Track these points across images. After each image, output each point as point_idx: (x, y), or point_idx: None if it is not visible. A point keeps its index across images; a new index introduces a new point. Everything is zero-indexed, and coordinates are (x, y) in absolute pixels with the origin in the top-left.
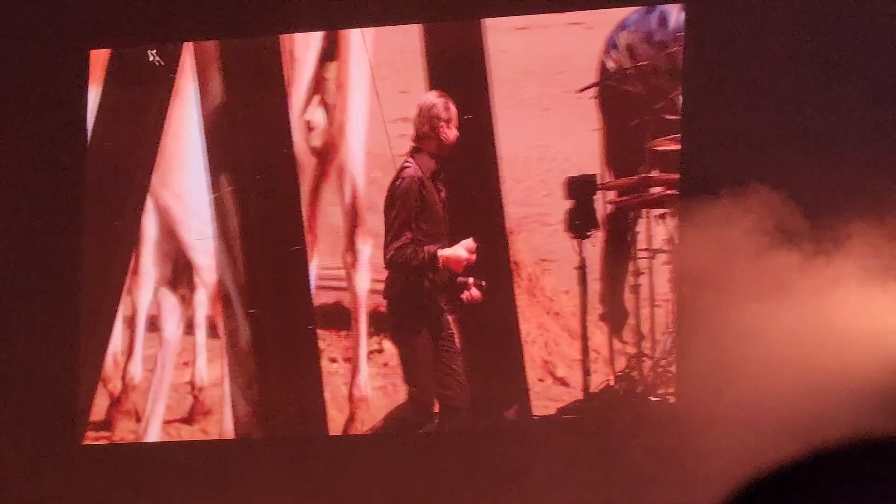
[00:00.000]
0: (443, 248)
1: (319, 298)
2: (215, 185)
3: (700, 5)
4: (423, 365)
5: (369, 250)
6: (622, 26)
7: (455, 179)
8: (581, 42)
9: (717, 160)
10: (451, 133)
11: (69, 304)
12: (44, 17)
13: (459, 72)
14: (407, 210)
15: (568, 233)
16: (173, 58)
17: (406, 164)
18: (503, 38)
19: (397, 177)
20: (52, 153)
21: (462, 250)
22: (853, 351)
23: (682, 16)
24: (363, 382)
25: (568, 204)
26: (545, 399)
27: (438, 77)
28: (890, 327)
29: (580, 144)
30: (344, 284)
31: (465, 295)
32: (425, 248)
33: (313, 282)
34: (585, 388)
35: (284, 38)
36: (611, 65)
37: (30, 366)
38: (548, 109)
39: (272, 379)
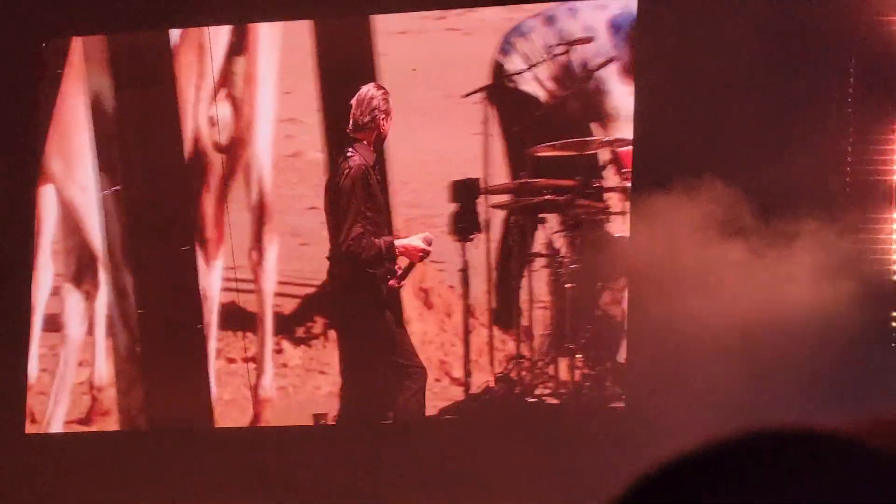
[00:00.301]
0: (395, 238)
1: (224, 298)
2: (104, 183)
3: None
4: (403, 337)
5: (276, 249)
6: (518, 32)
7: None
8: (464, 47)
9: (668, 155)
10: (388, 125)
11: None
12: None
13: (348, 73)
14: (357, 199)
15: (451, 235)
16: (62, 53)
17: (349, 153)
18: (386, 41)
19: (341, 167)
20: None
21: (419, 241)
22: (801, 345)
23: (573, 22)
24: (268, 383)
25: (452, 207)
26: (443, 399)
27: (327, 77)
28: (838, 322)
29: (464, 148)
30: (252, 287)
31: (392, 281)
32: (381, 238)
33: (217, 282)
34: (466, 388)
35: (192, 31)
36: (507, 67)
37: None
38: (430, 113)
39: (158, 379)
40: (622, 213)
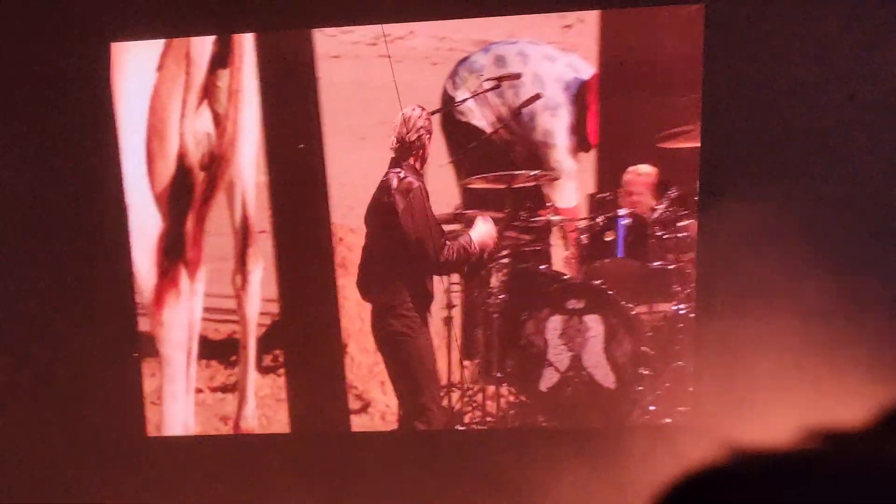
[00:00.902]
0: (461, 236)
1: (205, 328)
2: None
3: (720, 5)
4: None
5: (260, 273)
6: (467, 65)
7: (287, 204)
8: (398, 74)
9: (736, 164)
10: (430, 144)
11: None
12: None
13: (291, 103)
14: (431, 214)
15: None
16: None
17: (402, 174)
18: (321, 64)
19: (400, 187)
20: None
21: (485, 224)
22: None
23: (518, 58)
24: (249, 414)
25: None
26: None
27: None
28: None
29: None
30: (235, 316)
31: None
32: (458, 241)
33: (199, 311)
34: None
35: (178, 42)
36: (451, 96)
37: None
38: (364, 138)
39: (93, 409)
40: (547, 245)
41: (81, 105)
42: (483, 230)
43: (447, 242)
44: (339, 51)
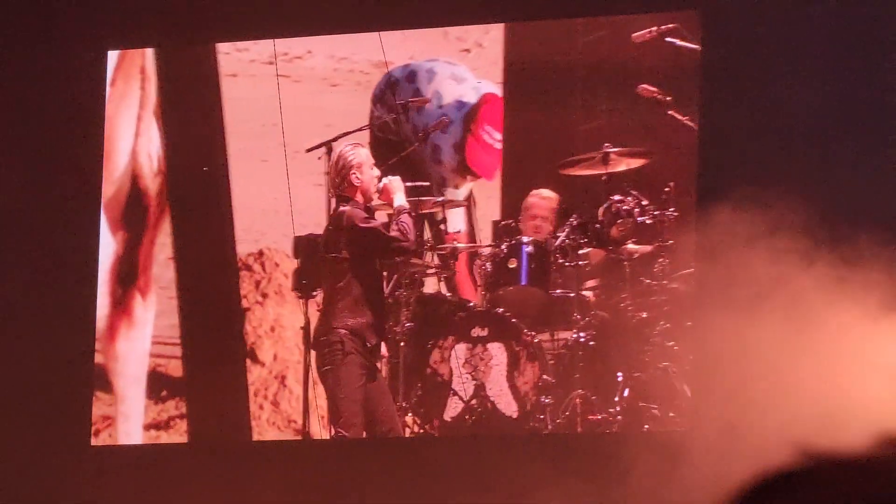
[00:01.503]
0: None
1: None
2: None
3: (716, 10)
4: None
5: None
6: (382, 86)
7: (190, 231)
8: (297, 96)
9: (734, 170)
10: (364, 176)
11: (84, 304)
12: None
13: (195, 125)
14: (374, 226)
15: (294, 292)
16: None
17: (341, 208)
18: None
19: (337, 219)
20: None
21: (397, 186)
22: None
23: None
24: None
25: (294, 263)
26: None
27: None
28: None
29: (308, 201)
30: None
31: None
32: (394, 223)
33: (146, 342)
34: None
35: (130, 54)
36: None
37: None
38: (267, 161)
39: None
40: (453, 273)
41: (74, 115)
42: (397, 188)
43: (394, 226)
44: (235, 69)
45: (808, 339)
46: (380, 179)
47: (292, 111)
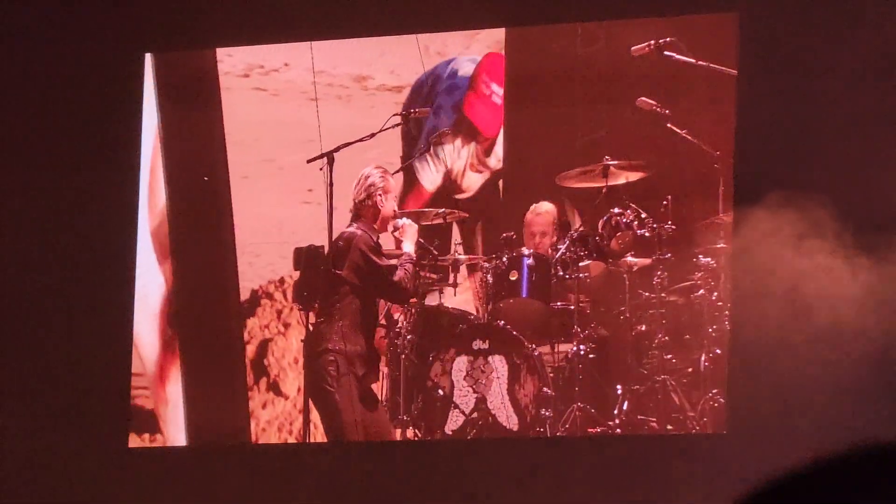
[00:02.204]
0: (401, 255)
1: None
2: None
3: (753, 12)
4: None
5: None
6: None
7: (190, 239)
8: (274, 109)
9: (771, 170)
10: (387, 202)
11: (123, 307)
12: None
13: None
14: (378, 260)
15: (295, 303)
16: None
17: (351, 228)
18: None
19: (345, 241)
20: (108, 157)
21: (410, 232)
22: None
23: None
24: None
25: (296, 275)
26: None
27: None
28: None
29: (307, 215)
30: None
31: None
32: (401, 267)
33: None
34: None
35: None
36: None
37: (83, 370)
38: (247, 177)
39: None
40: (454, 284)
41: (110, 120)
42: (410, 235)
43: (399, 272)
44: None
45: (844, 341)
46: (395, 214)
47: (270, 126)
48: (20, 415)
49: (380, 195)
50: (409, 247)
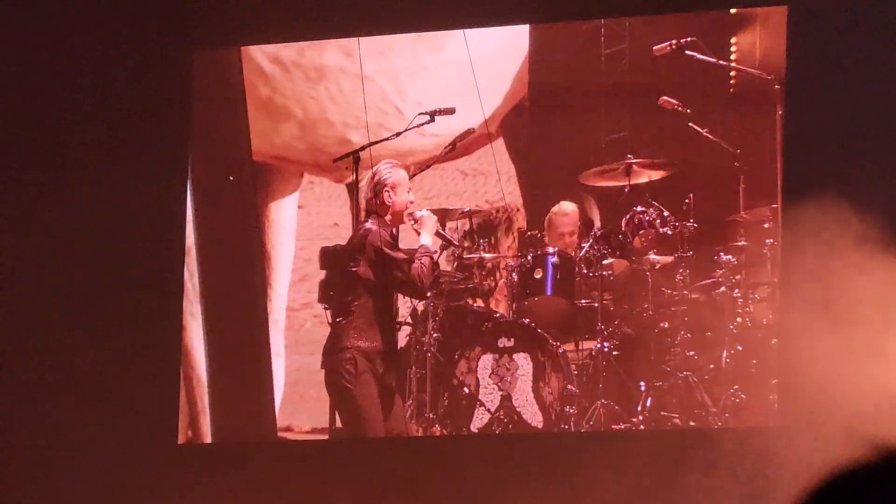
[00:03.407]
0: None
1: None
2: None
3: (803, 5)
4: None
5: None
6: None
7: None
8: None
9: (818, 204)
10: (397, 197)
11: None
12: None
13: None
14: (391, 253)
15: (321, 303)
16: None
17: (367, 224)
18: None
19: (359, 238)
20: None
21: (428, 225)
22: None
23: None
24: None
25: (322, 274)
26: None
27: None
28: None
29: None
30: None
31: None
32: (418, 259)
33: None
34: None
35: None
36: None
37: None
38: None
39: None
40: (480, 283)
41: (161, 116)
42: (429, 227)
43: (415, 265)
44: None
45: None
46: (412, 204)
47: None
48: (69, 410)
49: (387, 191)
50: (426, 239)
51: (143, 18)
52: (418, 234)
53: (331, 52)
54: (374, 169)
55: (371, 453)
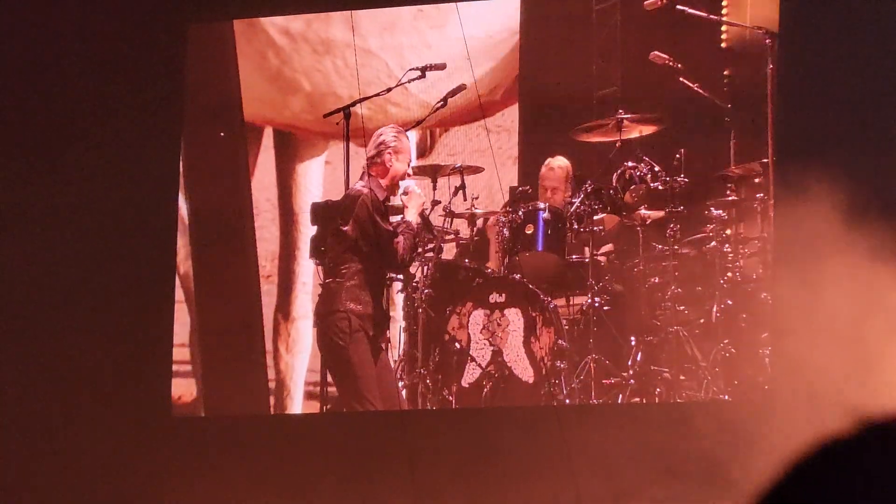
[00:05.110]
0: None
1: None
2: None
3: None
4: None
5: None
6: None
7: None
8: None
9: (810, 158)
10: (397, 162)
11: (165, 288)
12: None
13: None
14: (379, 221)
15: (312, 258)
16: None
17: (360, 185)
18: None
19: (352, 197)
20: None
21: (414, 201)
22: None
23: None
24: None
25: (313, 230)
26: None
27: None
28: None
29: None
30: None
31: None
32: (401, 234)
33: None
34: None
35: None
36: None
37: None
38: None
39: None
40: (471, 239)
41: (153, 91)
42: (415, 204)
43: (397, 240)
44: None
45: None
46: (408, 175)
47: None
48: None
49: (390, 153)
50: (411, 215)
51: None
52: (405, 207)
53: (336, 27)
54: (381, 130)
55: (365, 427)
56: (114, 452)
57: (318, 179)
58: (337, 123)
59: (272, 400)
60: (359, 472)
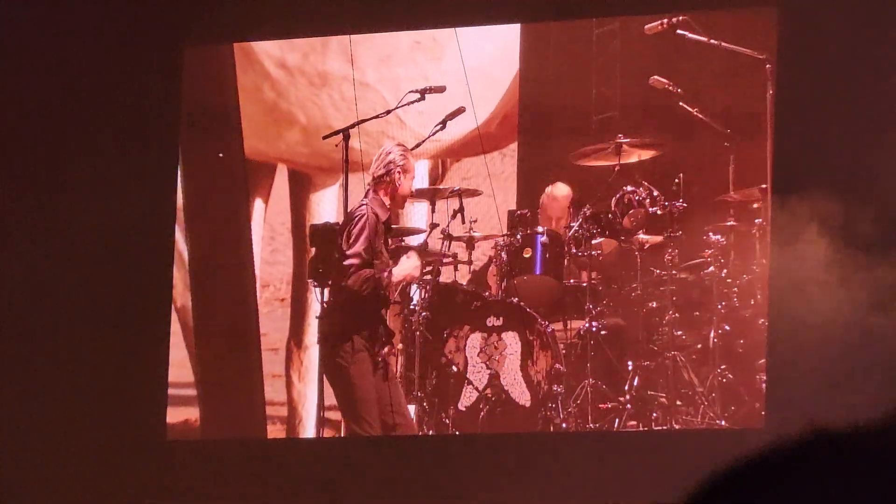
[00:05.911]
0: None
1: None
2: None
3: (793, 7)
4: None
5: None
6: None
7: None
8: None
9: (809, 167)
10: (404, 181)
11: (161, 305)
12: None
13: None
14: (365, 241)
15: (310, 280)
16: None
17: (363, 202)
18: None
19: (354, 214)
20: (145, 152)
21: (409, 262)
22: None
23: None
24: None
25: (311, 252)
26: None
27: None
28: None
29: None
30: None
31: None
32: (373, 273)
33: None
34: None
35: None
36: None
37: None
38: None
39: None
40: (468, 262)
41: (150, 113)
42: (406, 266)
43: (356, 272)
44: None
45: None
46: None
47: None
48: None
49: (399, 172)
50: (398, 270)
51: (134, 15)
52: (401, 258)
53: (333, 59)
54: (388, 148)
55: (362, 453)
56: (108, 477)
57: (331, 207)
58: (336, 146)
59: (285, 427)
60: (354, 496)
